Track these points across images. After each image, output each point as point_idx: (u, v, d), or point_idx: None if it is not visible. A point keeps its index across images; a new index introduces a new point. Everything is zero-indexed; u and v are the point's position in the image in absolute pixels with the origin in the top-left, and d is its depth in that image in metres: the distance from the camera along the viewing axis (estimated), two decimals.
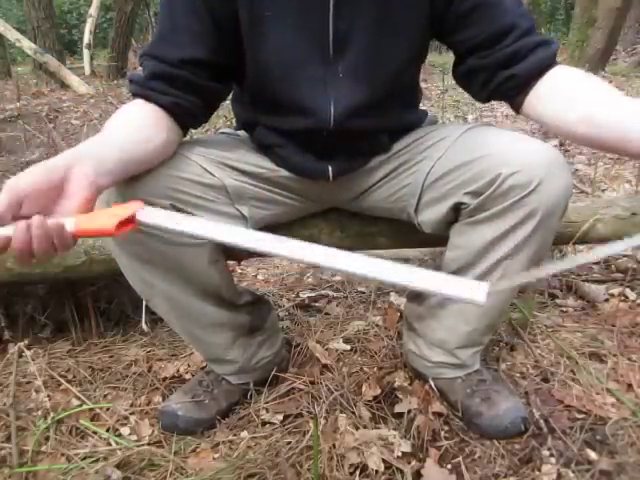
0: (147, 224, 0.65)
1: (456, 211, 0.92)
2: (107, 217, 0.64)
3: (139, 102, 0.86)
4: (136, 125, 0.82)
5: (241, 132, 1.08)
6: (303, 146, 0.97)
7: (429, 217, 0.95)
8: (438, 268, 1.00)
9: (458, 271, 0.94)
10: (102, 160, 0.71)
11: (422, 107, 1.09)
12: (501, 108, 4.69)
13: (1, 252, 0.63)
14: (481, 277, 0.92)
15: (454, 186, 0.89)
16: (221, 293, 1.00)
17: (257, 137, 1.01)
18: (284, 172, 0.99)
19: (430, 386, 1.07)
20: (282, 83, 0.90)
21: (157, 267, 0.92)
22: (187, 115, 0.89)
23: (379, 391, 1.09)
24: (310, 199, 1.06)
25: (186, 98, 0.87)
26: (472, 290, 0.58)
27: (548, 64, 0.85)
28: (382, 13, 0.86)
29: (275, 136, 0.98)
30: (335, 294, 1.61)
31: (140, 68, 0.91)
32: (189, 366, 1.24)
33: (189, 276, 0.94)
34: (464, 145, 0.90)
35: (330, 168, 0.97)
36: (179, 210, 0.87)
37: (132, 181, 0.82)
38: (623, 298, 1.43)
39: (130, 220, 0.65)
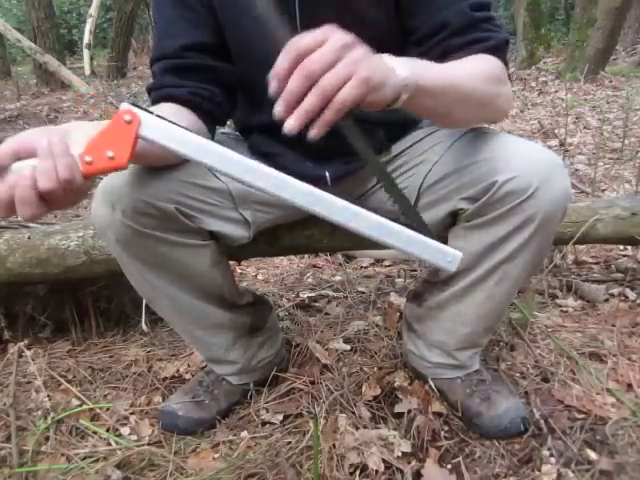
0: (149, 140, 0.63)
1: (453, 215, 0.91)
2: (115, 148, 0.60)
3: (160, 105, 0.86)
4: None
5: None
6: (300, 150, 0.96)
7: (426, 220, 0.95)
8: (437, 269, 1.00)
9: (456, 274, 0.94)
10: None
11: None
12: None
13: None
14: (479, 281, 0.91)
15: (451, 190, 0.89)
16: (223, 294, 1.00)
17: (255, 145, 1.01)
18: None
19: (430, 386, 1.07)
20: (259, 67, 0.91)
21: (159, 268, 0.92)
22: (209, 104, 0.89)
23: (379, 391, 1.09)
24: None
25: (201, 86, 0.88)
26: (444, 256, 0.65)
27: None
28: (345, 4, 0.86)
29: (271, 143, 0.98)
30: (335, 294, 1.61)
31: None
32: (189, 366, 1.24)
33: (191, 277, 0.94)
34: (461, 149, 0.89)
35: (327, 174, 0.97)
36: (184, 214, 0.87)
37: (137, 184, 0.82)
38: (623, 298, 1.43)
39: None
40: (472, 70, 0.78)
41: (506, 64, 0.85)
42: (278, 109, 0.59)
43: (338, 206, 0.65)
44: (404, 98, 0.66)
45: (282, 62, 0.59)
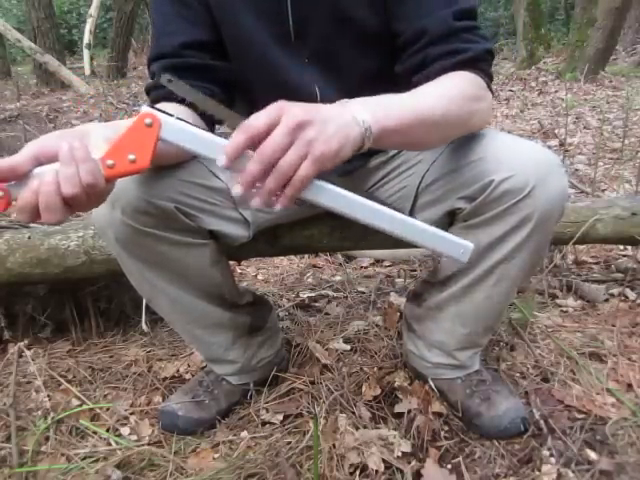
0: (171, 142, 0.63)
1: (451, 215, 0.91)
2: (137, 151, 0.61)
3: (161, 105, 0.86)
4: None
5: None
6: None
7: (424, 220, 0.95)
8: (436, 269, 1.00)
9: (455, 274, 0.94)
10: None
11: None
12: (501, 108, 4.70)
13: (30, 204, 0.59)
14: (477, 281, 0.91)
15: (448, 190, 0.89)
16: (223, 293, 1.00)
17: None
18: None
19: (430, 386, 1.07)
20: (256, 66, 0.91)
21: (159, 267, 0.92)
22: None
23: (379, 391, 1.09)
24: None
25: (202, 85, 0.88)
26: (457, 248, 0.69)
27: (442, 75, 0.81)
28: (336, 4, 0.86)
29: None
30: (335, 294, 1.61)
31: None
32: (189, 366, 1.24)
33: (191, 276, 0.94)
34: (459, 148, 0.89)
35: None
36: (183, 213, 0.87)
37: (137, 182, 0.82)
38: (623, 298, 1.43)
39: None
40: (443, 95, 0.77)
41: (488, 75, 0.83)
42: (237, 191, 0.62)
43: (344, 196, 0.65)
44: (367, 144, 0.67)
45: (236, 141, 0.60)
